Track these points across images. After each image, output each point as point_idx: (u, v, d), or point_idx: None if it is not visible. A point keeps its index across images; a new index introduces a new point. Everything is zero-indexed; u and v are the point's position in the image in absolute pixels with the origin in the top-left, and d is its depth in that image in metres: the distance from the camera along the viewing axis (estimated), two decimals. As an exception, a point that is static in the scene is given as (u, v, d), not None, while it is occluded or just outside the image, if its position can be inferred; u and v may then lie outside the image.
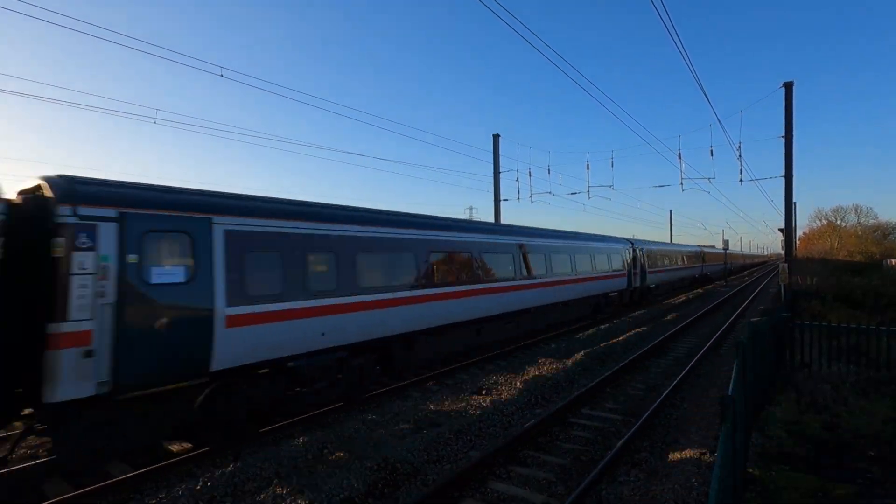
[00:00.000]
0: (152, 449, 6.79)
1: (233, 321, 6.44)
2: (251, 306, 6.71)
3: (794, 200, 20.15)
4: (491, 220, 29.66)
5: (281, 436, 7.20)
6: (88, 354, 5.16)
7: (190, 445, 6.81)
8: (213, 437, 6.67)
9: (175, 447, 6.73)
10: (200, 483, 5.45)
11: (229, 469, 5.79)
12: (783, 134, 19.68)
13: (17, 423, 5.81)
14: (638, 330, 16.70)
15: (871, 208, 53.28)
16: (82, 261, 5.21)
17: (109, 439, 5.59)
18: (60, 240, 5.16)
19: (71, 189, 5.39)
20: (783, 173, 19.77)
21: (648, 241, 27.82)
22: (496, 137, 29.74)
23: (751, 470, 5.43)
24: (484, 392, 9.26)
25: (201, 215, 6.37)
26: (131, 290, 5.56)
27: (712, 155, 22.11)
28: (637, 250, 23.81)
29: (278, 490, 5.39)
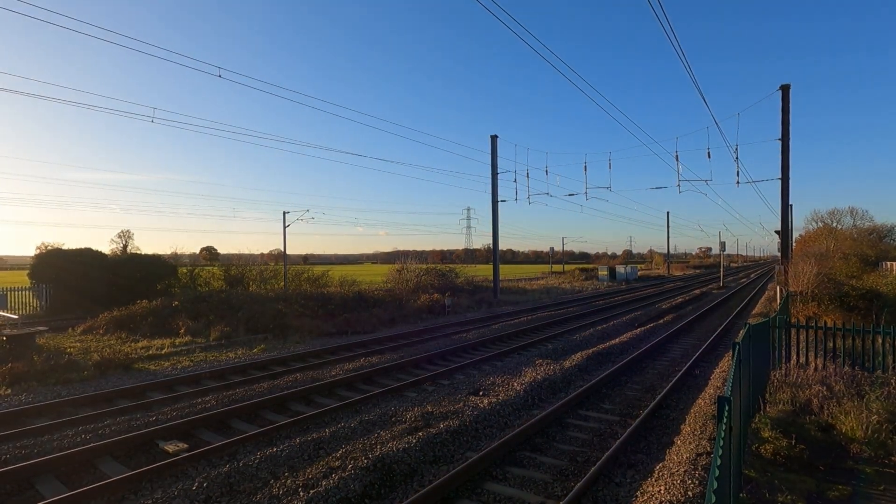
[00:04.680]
0: (148, 449, 6.78)
1: None
2: None
3: (790, 203, 20.26)
4: (489, 220, 29.69)
5: (277, 436, 7.18)
6: None
7: (185, 445, 6.79)
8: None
9: (171, 447, 6.71)
10: (196, 483, 5.44)
11: (225, 469, 5.77)
12: (780, 136, 19.77)
13: None
14: (636, 331, 16.74)
15: (866, 211, 53.65)
16: None
17: None
18: None
19: None
20: (779, 176, 19.86)
21: None
22: (494, 138, 29.78)
23: (746, 471, 5.44)
24: (481, 393, 9.26)
25: None
26: None
27: (709, 157, 22.25)
28: None
29: (274, 491, 5.38)
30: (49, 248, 24.24)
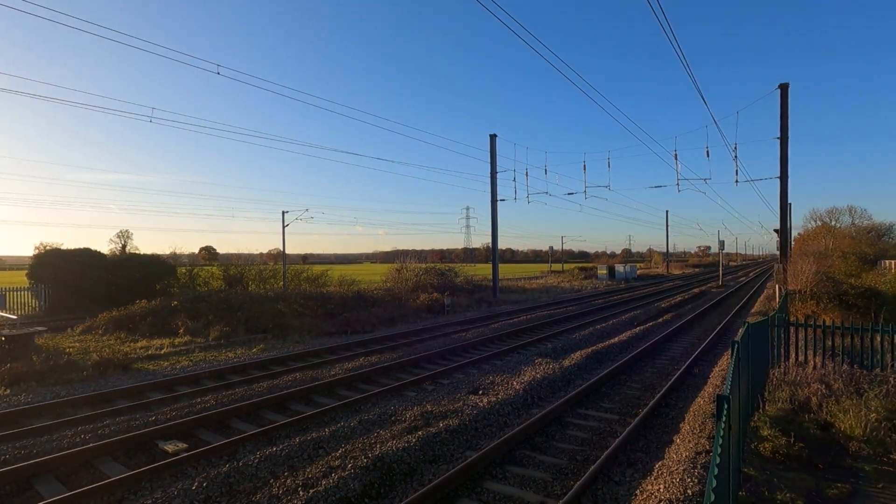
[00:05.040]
0: (148, 449, 6.78)
1: None
2: None
3: (789, 201, 20.29)
4: (488, 219, 29.70)
5: (276, 435, 7.18)
6: None
7: (185, 445, 6.79)
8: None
9: (170, 447, 6.71)
10: (196, 483, 5.44)
11: (225, 469, 5.77)
12: (778, 135, 19.79)
13: None
14: (635, 330, 16.75)
15: (865, 209, 53.41)
16: None
17: None
18: None
19: None
20: (778, 174, 19.88)
21: None
22: (493, 137, 29.78)
23: (745, 469, 5.45)
24: (480, 392, 9.27)
25: None
26: None
27: (708, 156, 22.27)
28: None
29: (274, 490, 5.38)
30: (47, 248, 24.24)
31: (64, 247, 24.28)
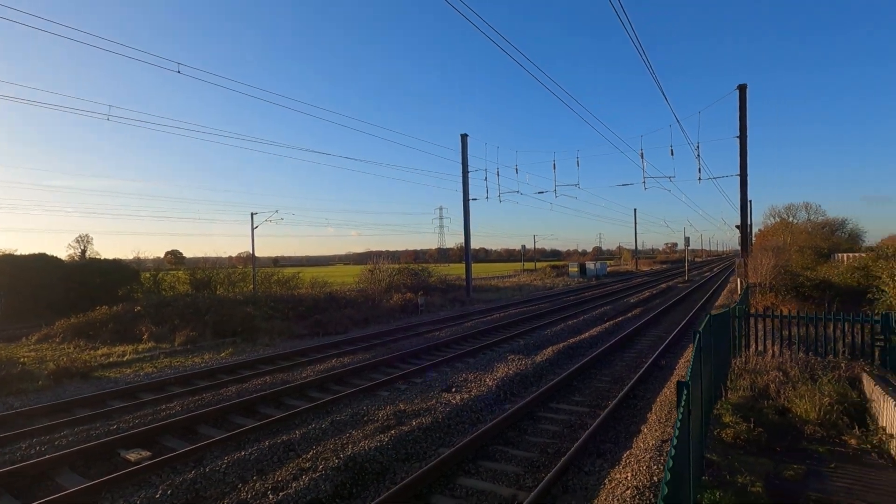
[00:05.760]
0: (109, 458, 6.53)
1: None
2: None
3: (749, 198, 21.05)
4: (461, 220, 29.82)
5: (245, 440, 7.02)
6: None
7: (148, 453, 6.57)
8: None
9: (132, 456, 6.48)
10: (160, 491, 5.27)
11: (190, 475, 5.61)
12: (738, 134, 20.52)
13: None
14: (605, 325, 17.09)
15: (819, 205, 56.03)
16: None
17: None
18: None
19: None
20: (738, 172, 20.61)
21: None
22: (464, 137, 29.90)
23: (708, 455, 5.63)
24: (454, 390, 9.29)
25: None
26: None
27: (672, 154, 22.92)
28: None
29: (242, 495, 5.27)
30: (0, 254, 23.06)
31: (18, 252, 23.17)
